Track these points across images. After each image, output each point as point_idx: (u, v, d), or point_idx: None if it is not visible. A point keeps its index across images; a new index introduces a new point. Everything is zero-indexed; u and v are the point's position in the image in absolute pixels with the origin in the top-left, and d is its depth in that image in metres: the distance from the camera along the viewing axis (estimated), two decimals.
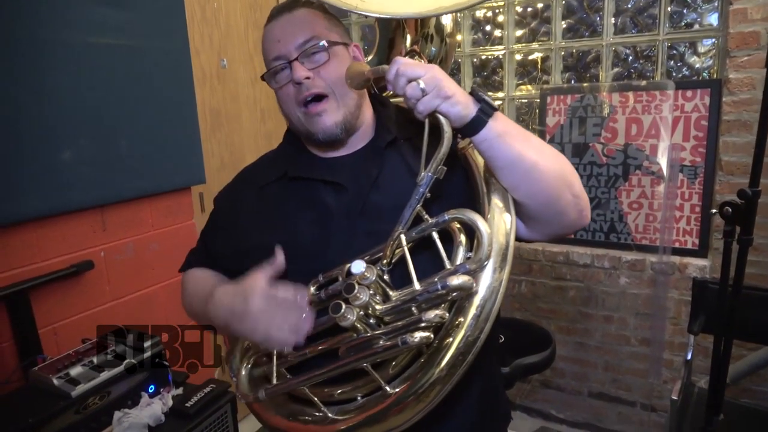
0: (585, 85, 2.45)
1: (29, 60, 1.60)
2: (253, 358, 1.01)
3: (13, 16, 1.56)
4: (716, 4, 2.20)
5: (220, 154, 2.51)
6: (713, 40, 2.24)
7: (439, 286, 0.76)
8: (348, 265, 0.85)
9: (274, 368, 0.94)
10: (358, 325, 0.81)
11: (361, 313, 0.81)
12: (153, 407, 1.48)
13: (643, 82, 2.32)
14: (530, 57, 2.61)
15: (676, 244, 2.30)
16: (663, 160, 2.29)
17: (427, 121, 0.82)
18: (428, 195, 0.83)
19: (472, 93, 0.83)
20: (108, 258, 1.91)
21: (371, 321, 0.83)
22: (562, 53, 2.53)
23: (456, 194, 0.92)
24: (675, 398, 1.74)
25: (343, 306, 0.79)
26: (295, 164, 1.04)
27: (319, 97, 0.96)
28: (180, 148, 2.10)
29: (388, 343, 0.78)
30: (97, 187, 1.82)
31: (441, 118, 0.81)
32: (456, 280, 0.76)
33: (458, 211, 0.81)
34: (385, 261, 0.86)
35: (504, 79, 2.67)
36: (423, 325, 0.76)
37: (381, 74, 0.85)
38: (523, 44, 2.60)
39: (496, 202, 0.86)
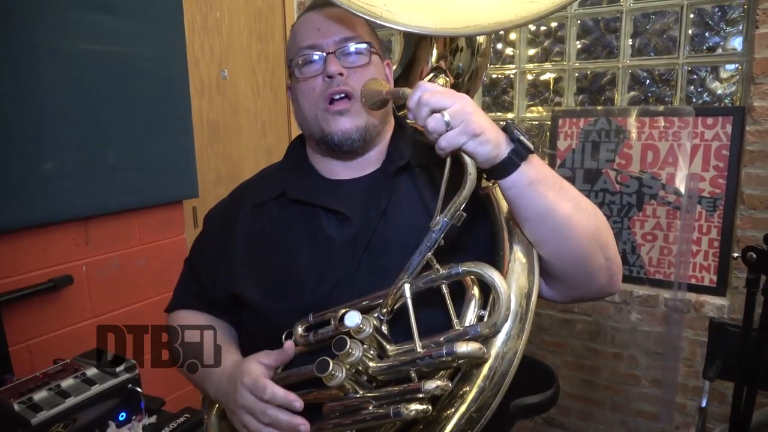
0: (599, 108, 2.34)
1: (12, 65, 1.53)
2: None
3: None
4: (741, 27, 2.08)
5: (216, 167, 2.43)
6: (737, 65, 2.12)
7: (444, 352, 0.67)
8: (343, 311, 0.75)
9: None
10: (347, 384, 0.72)
11: (352, 370, 0.71)
12: None
13: (661, 107, 2.20)
14: (542, 77, 2.51)
15: (692, 281, 2.17)
16: (680, 190, 2.16)
17: (449, 158, 0.72)
18: (442, 242, 0.72)
19: (505, 129, 0.72)
20: (90, 273, 1.83)
21: (362, 378, 0.74)
22: (576, 74, 2.42)
23: (473, 242, 0.82)
24: None
25: (331, 364, 0.69)
26: (296, 184, 0.94)
27: (346, 97, 0.87)
28: (172, 161, 2.03)
29: (380, 411, 0.69)
30: (81, 199, 1.75)
31: (465, 157, 0.70)
32: (464, 348, 0.66)
33: (475, 264, 0.71)
34: (384, 310, 0.76)
35: (514, 100, 2.57)
36: (420, 396, 0.66)
37: (401, 98, 0.76)
38: (536, 64, 2.51)
39: (519, 256, 0.76)
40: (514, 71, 2.55)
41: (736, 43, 2.11)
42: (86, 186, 1.75)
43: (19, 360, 1.63)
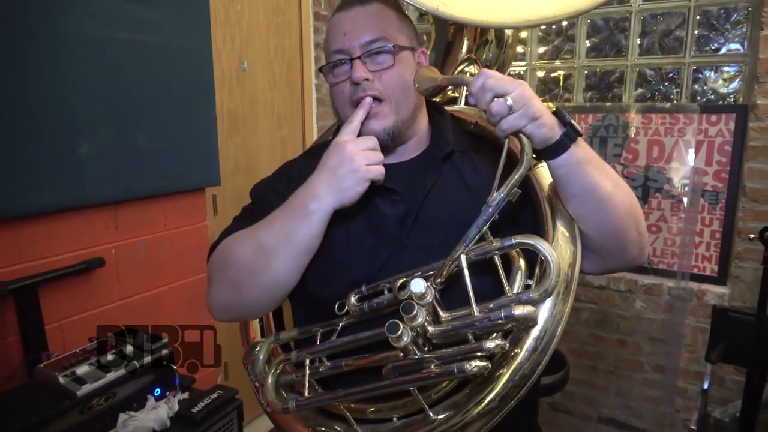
0: (607, 104, 2.42)
1: (51, 51, 1.57)
2: (282, 365, 0.97)
3: (37, 6, 1.54)
4: (744, 29, 2.18)
5: (235, 157, 2.49)
6: (740, 65, 2.22)
7: (503, 315, 0.73)
8: (402, 280, 0.81)
9: (307, 379, 0.90)
10: (409, 346, 0.77)
11: (414, 333, 0.77)
12: (159, 411, 1.44)
13: (668, 105, 2.29)
14: (552, 74, 2.59)
15: (695, 270, 2.27)
16: (684, 184, 2.26)
17: (507, 139, 0.78)
18: (496, 217, 0.79)
19: (557, 114, 0.79)
20: (119, 256, 1.87)
21: (419, 341, 0.79)
22: (585, 72, 2.51)
23: (518, 219, 0.88)
24: (694, 428, 1.69)
25: (401, 326, 0.74)
26: None
27: (375, 100, 0.91)
28: (197, 148, 2.07)
29: (440, 369, 0.75)
30: (112, 184, 1.78)
31: (524, 138, 0.77)
32: (520, 310, 0.72)
33: (526, 236, 0.77)
34: (439, 280, 0.82)
35: None
36: (479, 354, 0.73)
37: (460, 84, 0.82)
38: (546, 61, 2.59)
39: (562, 230, 0.83)
40: (524, 68, 2.63)
41: (740, 44, 2.21)
42: (118, 170, 1.79)
43: (52, 338, 1.67)
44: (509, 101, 0.74)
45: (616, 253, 0.87)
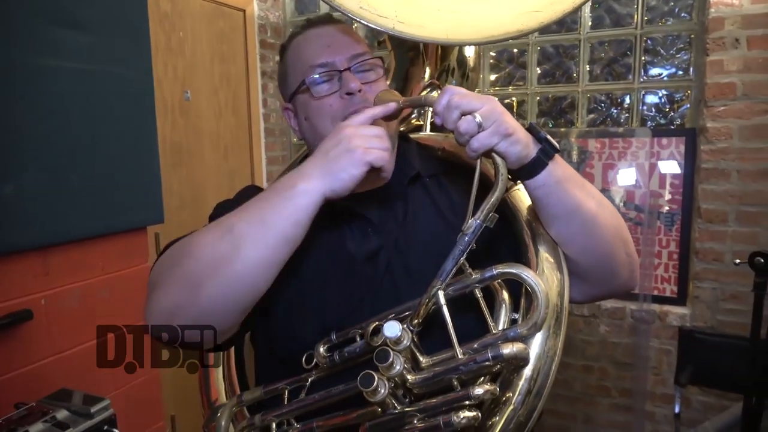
0: (562, 130, 2.44)
1: None
2: (246, 429, 0.86)
3: None
4: (690, 55, 2.25)
5: (180, 191, 2.33)
6: (688, 90, 2.29)
7: (489, 356, 0.64)
8: (374, 324, 0.73)
9: None
10: (388, 400, 0.68)
11: (391, 384, 0.68)
12: None
13: (620, 129, 2.33)
14: (505, 101, 2.60)
15: (655, 292, 2.28)
16: (641, 207, 2.29)
17: (479, 160, 0.72)
18: (474, 246, 0.71)
19: (530, 130, 0.73)
20: (50, 306, 1.68)
21: (399, 392, 0.70)
22: (538, 98, 2.53)
23: (498, 247, 0.81)
24: None
25: (376, 378, 0.65)
26: None
27: None
28: (137, 185, 1.91)
29: (425, 424, 0.66)
30: (41, 226, 1.61)
31: (497, 158, 0.70)
32: (509, 349, 0.64)
33: (508, 265, 0.69)
34: (416, 321, 0.73)
35: None
36: (467, 403, 0.64)
37: (424, 105, 0.75)
38: (498, 88, 2.59)
39: (546, 256, 0.76)
40: None
41: (687, 69, 2.28)
42: (47, 212, 1.62)
43: None
44: (478, 118, 0.68)
45: (605, 277, 0.82)
